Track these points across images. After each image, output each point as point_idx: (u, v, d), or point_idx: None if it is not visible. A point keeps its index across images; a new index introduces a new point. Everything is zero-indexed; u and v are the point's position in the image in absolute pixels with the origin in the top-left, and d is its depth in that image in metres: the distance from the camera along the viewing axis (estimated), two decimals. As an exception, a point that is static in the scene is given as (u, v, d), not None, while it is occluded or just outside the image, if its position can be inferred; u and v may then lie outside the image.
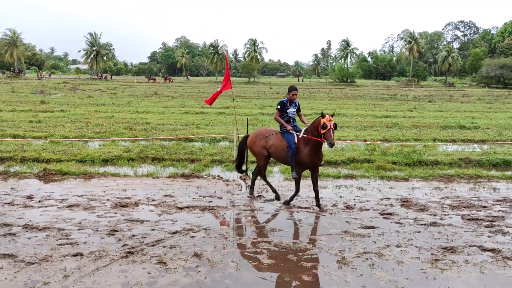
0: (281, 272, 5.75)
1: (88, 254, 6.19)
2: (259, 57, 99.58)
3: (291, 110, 8.78)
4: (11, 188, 9.71)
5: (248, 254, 6.36)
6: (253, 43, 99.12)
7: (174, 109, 28.03)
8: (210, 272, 5.73)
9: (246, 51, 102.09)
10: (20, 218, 7.69)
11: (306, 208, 8.69)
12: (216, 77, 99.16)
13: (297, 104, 8.86)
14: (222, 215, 8.23)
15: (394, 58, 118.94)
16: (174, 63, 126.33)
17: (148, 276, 5.55)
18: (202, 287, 5.29)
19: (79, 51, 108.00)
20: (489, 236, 7.23)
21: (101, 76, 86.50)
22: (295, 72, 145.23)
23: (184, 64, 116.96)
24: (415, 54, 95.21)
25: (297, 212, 8.42)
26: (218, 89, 13.90)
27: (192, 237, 7.00)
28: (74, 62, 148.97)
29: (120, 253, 6.24)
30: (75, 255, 6.12)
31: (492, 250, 6.60)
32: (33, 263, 5.83)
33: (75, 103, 31.47)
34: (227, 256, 6.27)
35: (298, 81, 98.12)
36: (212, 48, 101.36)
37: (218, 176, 11.35)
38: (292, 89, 8.67)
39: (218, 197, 9.35)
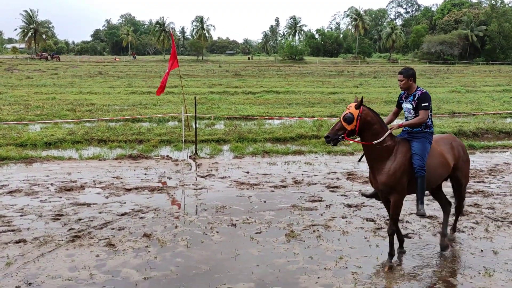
0: (231, 248, 5.84)
1: (32, 240, 6.00)
2: (207, 34, 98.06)
3: (406, 107, 5.58)
4: None
5: (198, 232, 6.40)
6: (201, 20, 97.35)
7: (120, 89, 27.23)
8: (160, 251, 5.73)
9: (193, 29, 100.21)
10: (-45, 207, 7.29)
11: (255, 184, 8.80)
12: (163, 55, 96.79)
13: (416, 98, 5.43)
14: (172, 195, 8.19)
15: (341, 35, 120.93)
16: (119, 41, 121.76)
17: (96, 259, 5.47)
18: (152, 267, 5.29)
19: (15, 29, 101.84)
20: (427, 204, 7.66)
21: (41, 55, 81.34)
22: (244, 50, 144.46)
23: (129, 43, 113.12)
24: (360, 31, 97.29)
25: (247, 189, 8.52)
26: (166, 70, 13.70)
27: (141, 218, 6.94)
28: (10, 41, 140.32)
29: (66, 238, 6.09)
30: (18, 242, 5.92)
31: (430, 217, 7.02)
32: (-28, 253, 5.58)
33: (13, 84, 29.80)
34: (177, 235, 6.28)
35: (249, 59, 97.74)
36: (158, 25, 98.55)
37: (167, 156, 11.23)
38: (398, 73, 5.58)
39: (168, 177, 9.28)
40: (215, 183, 8.91)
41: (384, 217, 7.03)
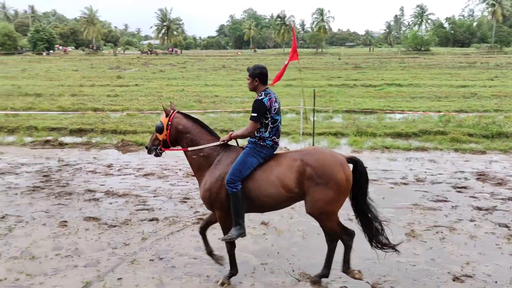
0: (348, 242, 5.77)
1: (163, 219, 6.59)
2: (327, 27, 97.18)
3: None
4: (94, 157, 10.48)
5: (314, 224, 6.39)
6: (321, 12, 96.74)
7: (242, 82, 28.35)
8: (277, 240, 5.89)
9: (313, 21, 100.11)
10: (102, 185, 8.31)
11: (374, 180, 8.55)
12: (283, 49, 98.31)
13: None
14: (289, 186, 8.33)
15: (475, 23, 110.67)
16: (242, 36, 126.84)
17: (218, 242, 5.80)
18: (269, 254, 5.47)
19: (151, 27, 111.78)
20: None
21: (172, 50, 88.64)
22: (365, 42, 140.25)
23: (251, 37, 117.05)
24: (498, 18, 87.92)
25: (365, 184, 8.31)
26: (285, 62, 13.85)
27: (259, 206, 7.19)
28: (146, 37, 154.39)
29: (192, 220, 6.58)
30: (151, 220, 6.55)
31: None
32: (115, 226, 6.33)
33: (148, 77, 32.79)
34: (293, 225, 6.40)
35: (370, 50, 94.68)
36: (279, 19, 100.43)
37: (285, 147, 11.43)
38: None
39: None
40: (332, 177, 8.83)
41: (520, 223, 6.34)
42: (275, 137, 4.65)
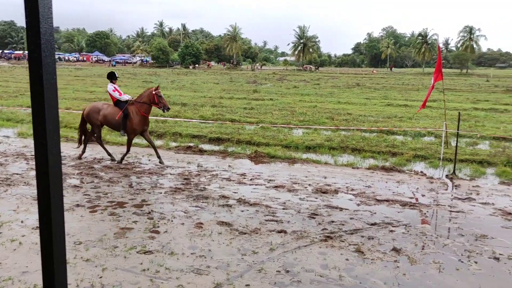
0: (493, 283, 5.17)
1: (291, 232, 6.64)
2: (475, 46, 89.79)
3: None
4: (229, 165, 11.05)
5: (453, 258, 5.89)
6: (470, 30, 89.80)
7: (376, 101, 27.53)
8: (409, 269, 5.52)
9: (459, 40, 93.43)
10: (235, 192, 8.70)
11: (527, 218, 7.55)
12: (422, 68, 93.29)
13: None
14: (425, 214, 7.79)
15: None
16: (378, 54, 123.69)
17: (345, 262, 5.66)
18: (400, 283, 5.14)
19: (288, 44, 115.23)
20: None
21: (306, 68, 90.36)
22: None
23: (388, 55, 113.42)
24: None
25: (510, 220, 7.39)
26: (431, 84, 13.23)
27: (391, 231, 6.84)
28: (283, 54, 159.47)
29: (319, 236, 6.51)
30: (279, 232, 6.64)
31: None
32: (245, 233, 6.55)
33: (282, 92, 33.68)
34: (428, 256, 5.93)
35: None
36: (420, 37, 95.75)
37: (421, 172, 10.75)
38: None
39: (421, 194, 8.88)
40: (475, 208, 8.04)
41: None
42: None
